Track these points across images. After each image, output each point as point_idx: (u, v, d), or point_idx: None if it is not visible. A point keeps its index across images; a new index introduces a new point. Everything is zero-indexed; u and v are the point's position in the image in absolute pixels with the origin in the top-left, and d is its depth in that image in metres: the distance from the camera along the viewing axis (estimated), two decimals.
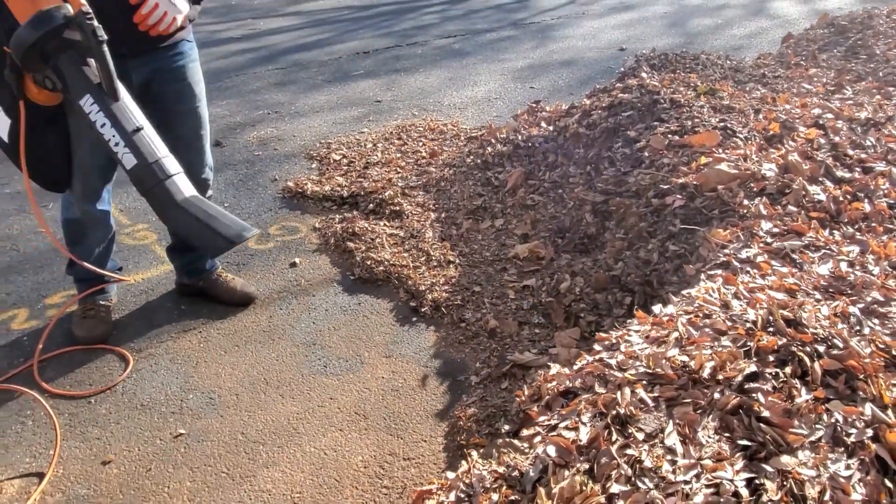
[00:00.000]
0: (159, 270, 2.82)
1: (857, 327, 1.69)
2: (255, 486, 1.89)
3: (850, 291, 1.82)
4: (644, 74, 3.30)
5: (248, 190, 3.48)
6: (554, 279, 2.60)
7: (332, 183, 3.47)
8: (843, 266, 1.92)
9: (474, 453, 1.56)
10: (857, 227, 2.12)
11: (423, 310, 2.60)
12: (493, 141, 3.51)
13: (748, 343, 1.54)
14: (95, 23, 1.51)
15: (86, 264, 2.04)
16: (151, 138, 1.61)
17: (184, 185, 1.61)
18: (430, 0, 8.28)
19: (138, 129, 1.58)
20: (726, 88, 3.02)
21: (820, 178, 2.33)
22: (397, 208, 3.20)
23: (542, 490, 1.26)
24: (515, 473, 1.31)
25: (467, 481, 1.32)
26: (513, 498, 1.26)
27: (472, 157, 3.48)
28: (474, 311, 2.56)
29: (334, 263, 2.90)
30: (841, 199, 2.20)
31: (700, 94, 2.89)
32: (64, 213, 2.34)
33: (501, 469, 1.33)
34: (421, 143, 3.98)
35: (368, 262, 2.83)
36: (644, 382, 1.45)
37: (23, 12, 1.54)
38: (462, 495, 1.31)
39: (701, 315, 1.65)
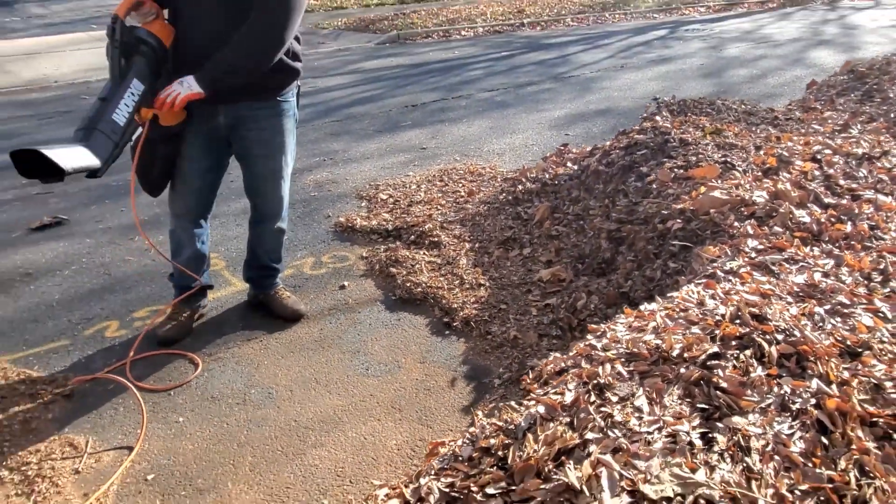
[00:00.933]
0: (228, 291, 3.24)
1: (820, 324, 1.95)
2: (305, 462, 2.23)
3: (819, 296, 2.08)
4: (658, 118, 3.64)
5: (305, 225, 3.91)
6: (572, 298, 2.90)
7: (378, 218, 3.88)
8: (817, 276, 2.18)
9: (480, 412, 1.87)
10: (837, 244, 2.38)
11: (454, 324, 2.93)
12: (523, 180, 3.88)
13: (715, 331, 1.82)
14: (116, 27, 2.21)
15: (179, 265, 2.49)
16: (102, 107, 2.20)
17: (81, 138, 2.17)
18: (477, 57, 8.84)
19: (103, 99, 2.22)
20: (732, 129, 3.33)
21: (808, 204, 2.60)
22: (436, 239, 3.57)
23: (530, 436, 1.56)
24: (511, 426, 1.62)
25: (473, 431, 1.64)
26: (506, 442, 1.57)
27: (504, 194, 3.85)
28: (499, 325, 2.88)
29: (378, 286, 3.27)
30: (824, 221, 2.47)
31: (707, 133, 3.20)
32: (170, 226, 2.79)
33: (500, 423, 1.64)
34: (460, 185, 4.37)
35: (408, 285, 3.19)
36: (622, 360, 1.75)
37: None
38: (467, 441, 1.62)
39: (678, 310, 1.95)
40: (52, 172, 2.01)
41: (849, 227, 2.47)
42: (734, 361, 1.75)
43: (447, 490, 1.49)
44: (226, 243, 3.67)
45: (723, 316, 1.89)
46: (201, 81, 2.29)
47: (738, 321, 1.88)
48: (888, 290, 2.17)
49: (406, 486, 1.55)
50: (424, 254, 3.46)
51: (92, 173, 2.15)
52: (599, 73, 7.68)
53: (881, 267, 2.26)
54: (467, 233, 3.65)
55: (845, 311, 2.01)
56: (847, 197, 2.70)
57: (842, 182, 2.79)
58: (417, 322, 2.98)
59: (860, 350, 1.84)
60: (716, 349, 1.77)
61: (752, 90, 6.79)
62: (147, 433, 2.34)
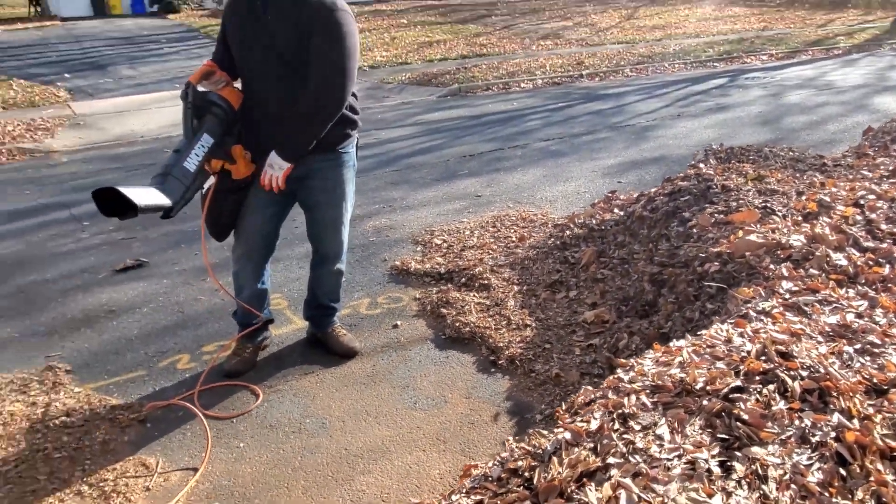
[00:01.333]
0: (289, 329, 3.46)
1: (849, 362, 2.00)
2: (354, 487, 2.38)
3: (850, 336, 2.13)
4: (702, 165, 3.73)
5: (363, 268, 4.13)
6: (614, 338, 2.99)
7: (432, 262, 4.07)
8: (850, 316, 2.23)
9: (511, 438, 1.98)
10: (873, 287, 2.42)
11: (500, 362, 3.06)
12: (571, 225, 4.01)
13: (739, 366, 1.90)
14: (189, 91, 2.54)
15: (242, 304, 2.74)
16: (176, 157, 2.50)
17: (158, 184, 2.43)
18: (535, 108, 9.07)
19: (177, 151, 2.53)
20: (775, 175, 3.39)
21: (847, 248, 2.64)
22: (485, 282, 3.73)
23: (555, 459, 1.68)
24: (538, 451, 1.74)
25: (503, 455, 1.76)
26: (533, 464, 1.68)
27: (552, 239, 3.99)
28: (543, 364, 2.99)
29: (429, 326, 3.43)
30: (860, 264, 2.50)
31: (749, 180, 3.27)
32: (233, 267, 3.04)
33: (528, 447, 1.76)
34: (512, 230, 4.53)
35: (457, 324, 3.34)
36: (647, 392, 1.85)
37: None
38: (497, 463, 1.74)
39: (705, 346, 2.03)
40: (127, 209, 2.27)
41: (886, 270, 2.50)
42: (757, 395, 1.82)
43: None
44: (288, 284, 3.91)
45: (748, 352, 1.96)
46: (286, 157, 2.61)
47: (763, 357, 1.95)
48: None
49: (439, 503, 1.68)
50: (474, 295, 3.62)
51: (165, 213, 2.42)
52: (655, 122, 7.78)
53: None
54: (516, 276, 3.79)
55: (876, 350, 2.05)
56: (888, 241, 2.72)
57: (883, 226, 2.81)
58: (465, 360, 3.12)
59: (886, 388, 1.89)
60: (738, 383, 1.84)
61: (810, 137, 6.75)
62: (211, 456, 2.54)
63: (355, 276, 4.01)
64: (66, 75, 12.51)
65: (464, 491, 1.70)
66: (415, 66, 13.15)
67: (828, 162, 3.97)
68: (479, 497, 1.65)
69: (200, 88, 2.57)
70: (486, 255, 4.08)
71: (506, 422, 2.68)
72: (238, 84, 2.74)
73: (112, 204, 2.30)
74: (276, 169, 2.62)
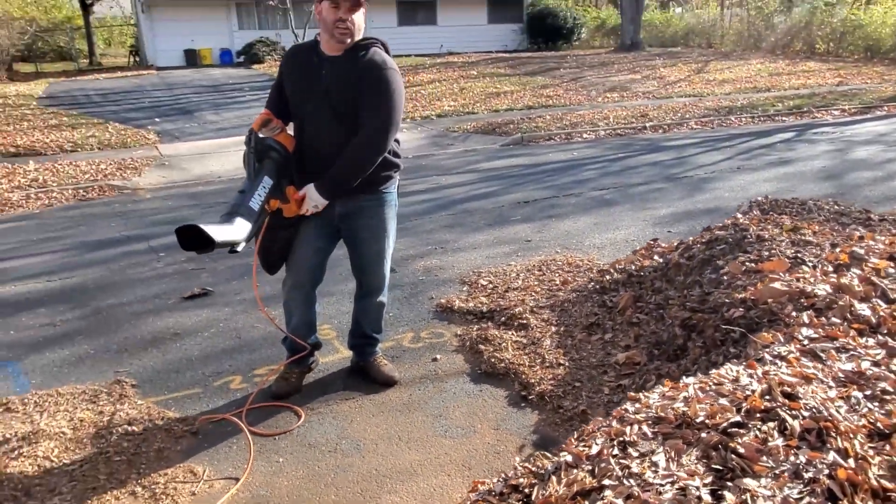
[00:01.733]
0: (335, 357, 3.68)
1: (856, 406, 2.04)
2: None
3: (862, 382, 2.17)
4: (739, 216, 3.79)
5: (410, 304, 4.34)
6: (642, 379, 3.07)
7: (475, 301, 4.24)
8: (865, 364, 2.27)
9: (517, 458, 2.10)
10: (895, 337, 2.44)
11: (530, 398, 3.18)
12: (611, 271, 4.11)
13: (742, 403, 1.98)
14: (252, 138, 2.84)
15: (291, 335, 2.97)
16: (242, 197, 2.76)
17: (228, 222, 2.67)
18: (594, 158, 9.22)
19: (241, 192, 2.79)
20: (812, 227, 3.42)
21: (873, 299, 2.67)
22: (524, 321, 3.86)
23: (554, 478, 1.80)
24: (540, 470, 1.86)
25: (508, 473, 1.89)
26: (533, 482, 1.81)
27: (593, 283, 4.10)
28: (572, 401, 3.09)
29: (467, 360, 3.59)
30: (884, 314, 2.53)
31: (784, 231, 3.32)
32: (283, 297, 3.29)
33: (531, 467, 1.88)
34: (557, 274, 4.65)
35: (493, 360, 3.48)
36: (649, 422, 1.95)
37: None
38: (500, 480, 1.87)
39: (712, 384, 2.12)
40: (205, 244, 2.55)
41: None
42: (756, 431, 1.90)
43: None
44: (338, 317, 4.15)
45: (753, 391, 2.04)
46: (324, 195, 2.87)
47: (767, 397, 2.02)
48: None
49: None
50: (512, 334, 3.75)
51: (232, 248, 2.68)
52: (713, 175, 7.79)
53: None
54: (555, 317, 3.91)
55: (886, 397, 2.09)
56: None
57: None
58: (497, 393, 3.25)
59: (889, 432, 1.92)
60: (738, 419, 1.92)
61: (872, 192, 6.64)
62: (252, 468, 2.75)
63: (402, 312, 4.21)
64: (157, 119, 13.48)
65: (468, 503, 1.83)
66: (480, 115, 13.54)
67: (873, 217, 3.96)
68: None
69: (261, 135, 2.86)
70: (529, 297, 4.22)
71: (530, 453, 2.78)
72: (290, 129, 3.03)
73: (192, 240, 2.57)
74: (310, 205, 2.88)
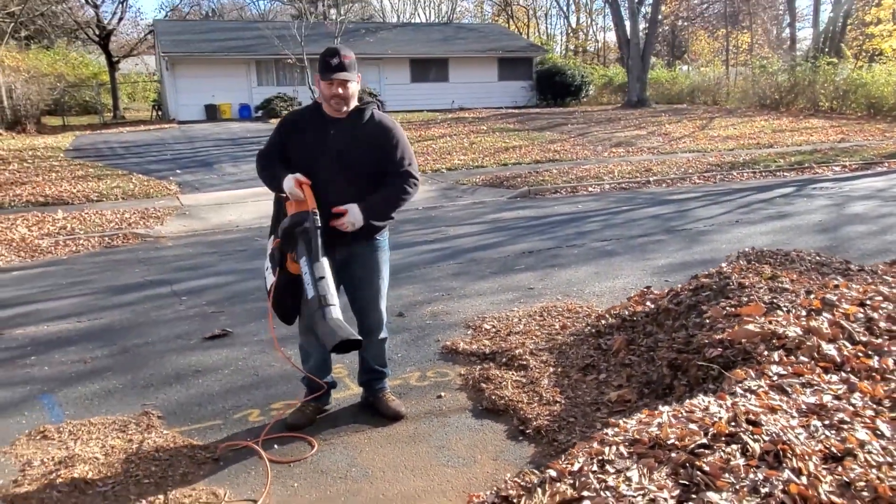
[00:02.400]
0: (346, 394, 3.93)
1: (815, 433, 2.28)
2: None
3: (822, 413, 2.41)
4: (723, 265, 4.06)
5: (417, 347, 4.60)
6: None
7: (479, 343, 4.50)
8: (827, 398, 2.51)
9: (508, 474, 2.34)
10: (858, 375, 2.68)
11: (528, 432, 3.40)
12: (607, 316, 4.37)
13: (709, 428, 2.23)
14: (318, 219, 2.92)
15: (308, 374, 3.25)
16: (328, 284, 2.90)
17: (335, 313, 2.85)
18: (598, 211, 9.55)
19: (322, 278, 2.84)
20: (790, 276, 3.68)
21: (840, 341, 2.92)
22: (524, 363, 4.11)
23: (539, 490, 2.04)
24: (528, 484, 2.11)
25: (500, 486, 2.12)
26: (521, 493, 2.05)
27: (589, 327, 4.36)
28: (566, 435, 3.32)
29: (469, 398, 3.83)
30: (848, 354, 2.78)
31: (764, 279, 3.59)
32: (299, 341, 3.57)
33: (521, 481, 2.13)
34: (557, 320, 4.91)
35: (494, 397, 3.72)
36: (626, 444, 2.20)
37: (289, 211, 2.97)
38: (493, 492, 2.11)
39: (684, 412, 2.36)
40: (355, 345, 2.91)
41: (874, 362, 2.76)
42: (720, 452, 2.14)
43: None
44: (350, 356, 4.38)
45: (720, 418, 2.28)
46: (364, 214, 3.18)
47: (733, 423, 2.26)
48: None
49: None
50: (512, 374, 4.00)
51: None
52: (712, 227, 8.08)
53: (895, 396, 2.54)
54: (553, 359, 4.15)
55: (843, 426, 2.33)
56: (884, 337, 2.98)
57: (882, 324, 3.07)
58: (497, 428, 3.49)
59: (842, 455, 2.16)
60: (705, 441, 2.17)
61: (865, 246, 6.89)
62: (269, 492, 2.98)
63: (410, 353, 4.47)
64: (178, 171, 14.01)
65: None
66: (489, 168, 13.99)
67: (852, 267, 4.21)
68: None
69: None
70: (529, 340, 4.47)
71: (520, 471, 3.00)
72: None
73: (345, 344, 2.88)
74: (353, 221, 3.16)
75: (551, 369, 4.01)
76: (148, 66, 38.98)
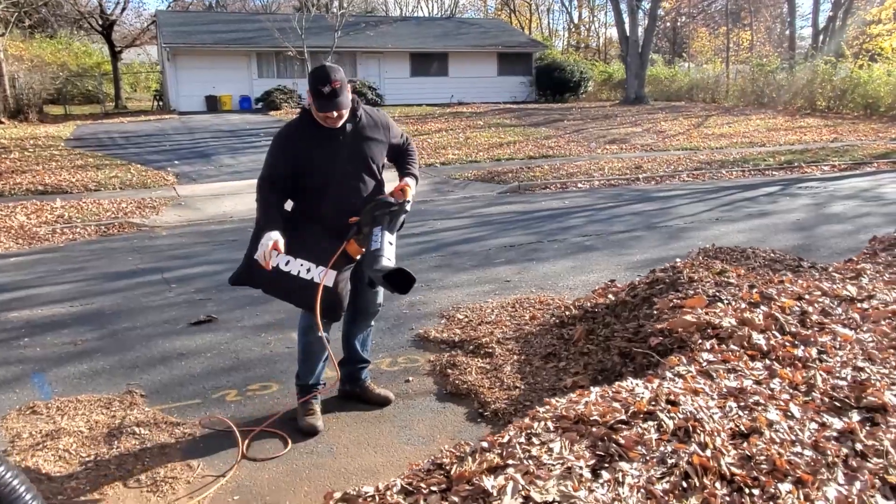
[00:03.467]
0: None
1: (729, 413, 2.50)
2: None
3: (739, 395, 2.63)
4: (678, 260, 4.27)
5: (392, 334, 4.82)
6: None
7: (450, 332, 4.72)
8: (748, 382, 2.73)
9: (446, 445, 2.57)
10: (781, 362, 2.90)
11: (486, 414, 3.63)
12: (571, 308, 4.59)
13: (630, 406, 2.45)
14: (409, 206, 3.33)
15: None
16: (389, 250, 3.18)
17: (387, 263, 3.11)
18: (584, 207, 9.75)
19: (391, 243, 3.19)
20: (738, 271, 3.89)
21: (771, 332, 3.14)
22: (490, 350, 4.33)
23: (470, 458, 2.27)
24: (461, 453, 2.33)
25: (436, 455, 2.35)
26: (454, 461, 2.27)
27: (554, 318, 4.58)
28: (521, 417, 3.54)
29: (435, 382, 4.05)
30: (775, 344, 3.00)
31: (712, 273, 3.80)
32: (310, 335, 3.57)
33: (456, 451, 2.35)
34: (528, 311, 5.13)
35: (457, 382, 3.95)
36: (553, 419, 2.42)
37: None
38: (430, 461, 2.34)
39: (611, 392, 2.58)
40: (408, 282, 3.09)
41: (799, 352, 2.98)
42: (637, 428, 2.36)
43: (406, 485, 2.22)
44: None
45: (642, 398, 2.51)
46: (416, 183, 3.54)
47: (653, 403, 2.49)
48: (809, 398, 2.66)
49: (382, 484, 2.29)
50: (478, 361, 4.22)
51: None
52: (692, 224, 8.28)
53: (812, 382, 2.75)
54: (518, 347, 4.38)
55: (756, 407, 2.55)
56: (814, 329, 3.20)
57: (815, 317, 3.28)
58: (458, 410, 3.71)
59: (749, 433, 2.38)
60: (624, 418, 2.39)
61: (838, 244, 7.10)
62: (239, 465, 3.21)
63: (384, 340, 4.70)
64: (176, 162, 14.23)
65: (403, 478, 2.30)
66: (483, 164, 14.19)
67: (804, 264, 4.42)
68: (410, 481, 2.25)
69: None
70: (498, 330, 4.70)
71: (457, 442, 3.23)
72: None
73: (400, 283, 3.08)
74: (414, 192, 3.49)
75: (515, 357, 4.24)
76: (150, 56, 39.17)
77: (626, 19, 27.43)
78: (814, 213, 8.93)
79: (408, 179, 3.52)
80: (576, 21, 49.02)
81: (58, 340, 4.79)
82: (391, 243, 3.26)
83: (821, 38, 29.65)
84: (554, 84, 29.07)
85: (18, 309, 5.51)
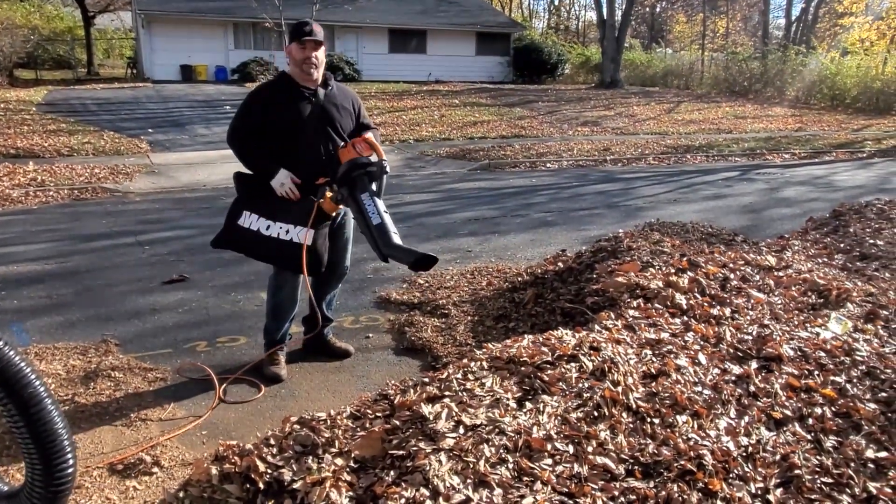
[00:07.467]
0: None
1: (644, 358, 2.84)
2: None
3: (655, 345, 2.97)
4: (620, 231, 4.61)
5: (355, 296, 5.11)
6: None
7: (410, 295, 5.03)
8: (665, 335, 3.07)
9: (392, 379, 2.88)
10: (697, 319, 3.25)
11: (437, 367, 3.93)
12: (524, 274, 4.92)
13: (556, 350, 2.78)
14: (387, 165, 3.42)
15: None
16: (389, 220, 3.33)
17: (396, 238, 3.28)
18: (550, 186, 10.09)
19: (386, 211, 3.33)
20: (673, 241, 4.25)
21: (693, 294, 3.49)
22: (446, 311, 4.65)
23: (412, 390, 2.58)
24: (404, 386, 2.64)
25: (383, 388, 2.67)
26: (398, 392, 2.59)
27: (507, 283, 4.90)
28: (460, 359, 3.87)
29: (394, 339, 4.36)
30: (694, 304, 3.35)
31: (650, 243, 4.15)
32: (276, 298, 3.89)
33: (401, 385, 2.66)
34: (485, 278, 5.45)
35: (414, 339, 4.26)
36: (487, 360, 2.74)
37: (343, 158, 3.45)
38: (377, 392, 2.65)
39: (541, 339, 2.91)
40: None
41: (715, 311, 3.33)
42: (561, 368, 2.69)
43: (354, 411, 2.53)
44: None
45: (567, 343, 2.84)
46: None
47: (577, 347, 2.82)
48: (717, 349, 3.02)
49: (334, 410, 2.60)
50: (434, 320, 4.54)
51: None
52: (650, 204, 8.66)
53: (721, 336, 3.11)
54: (473, 309, 4.70)
55: (669, 355, 2.89)
56: (732, 293, 3.56)
57: (734, 283, 3.64)
58: (412, 363, 4.03)
59: (657, 374, 2.73)
60: (549, 359, 2.72)
61: (782, 226, 7.51)
62: (214, 411, 3.50)
63: (347, 301, 4.99)
64: (150, 130, 14.27)
65: (352, 405, 2.61)
66: (456, 141, 14.44)
67: (736, 239, 4.79)
68: (359, 408, 2.56)
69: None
70: (455, 294, 5.01)
71: (403, 378, 3.55)
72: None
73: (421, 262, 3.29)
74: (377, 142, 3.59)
75: (469, 318, 4.56)
76: (124, 22, 38.51)
77: (605, 2, 27.67)
78: (766, 197, 9.36)
79: (368, 132, 3.60)
80: (556, 2, 49.13)
81: (34, 294, 5.01)
82: (386, 211, 3.37)
83: (793, 28, 30.19)
84: (531, 65, 29.29)
85: None
